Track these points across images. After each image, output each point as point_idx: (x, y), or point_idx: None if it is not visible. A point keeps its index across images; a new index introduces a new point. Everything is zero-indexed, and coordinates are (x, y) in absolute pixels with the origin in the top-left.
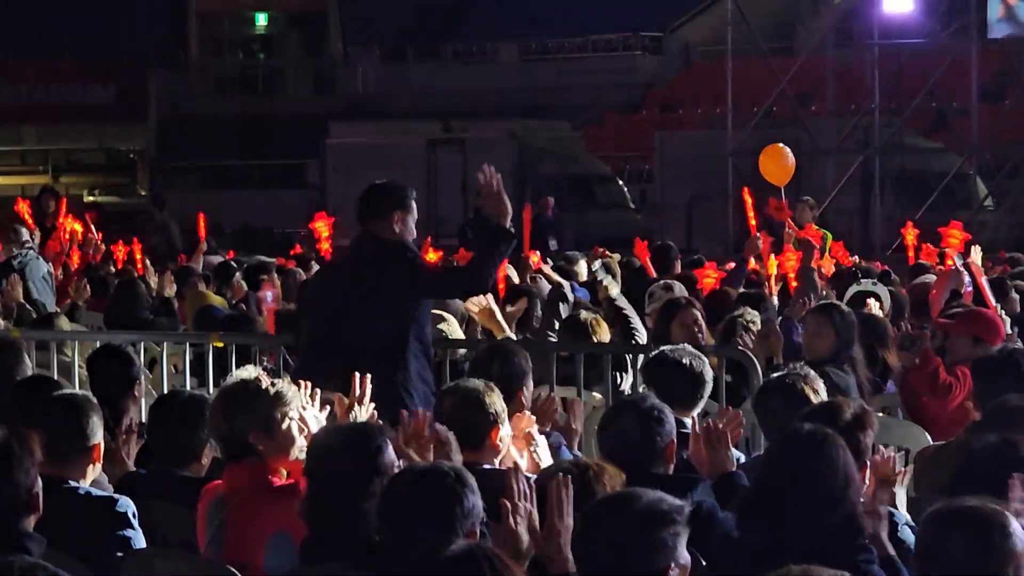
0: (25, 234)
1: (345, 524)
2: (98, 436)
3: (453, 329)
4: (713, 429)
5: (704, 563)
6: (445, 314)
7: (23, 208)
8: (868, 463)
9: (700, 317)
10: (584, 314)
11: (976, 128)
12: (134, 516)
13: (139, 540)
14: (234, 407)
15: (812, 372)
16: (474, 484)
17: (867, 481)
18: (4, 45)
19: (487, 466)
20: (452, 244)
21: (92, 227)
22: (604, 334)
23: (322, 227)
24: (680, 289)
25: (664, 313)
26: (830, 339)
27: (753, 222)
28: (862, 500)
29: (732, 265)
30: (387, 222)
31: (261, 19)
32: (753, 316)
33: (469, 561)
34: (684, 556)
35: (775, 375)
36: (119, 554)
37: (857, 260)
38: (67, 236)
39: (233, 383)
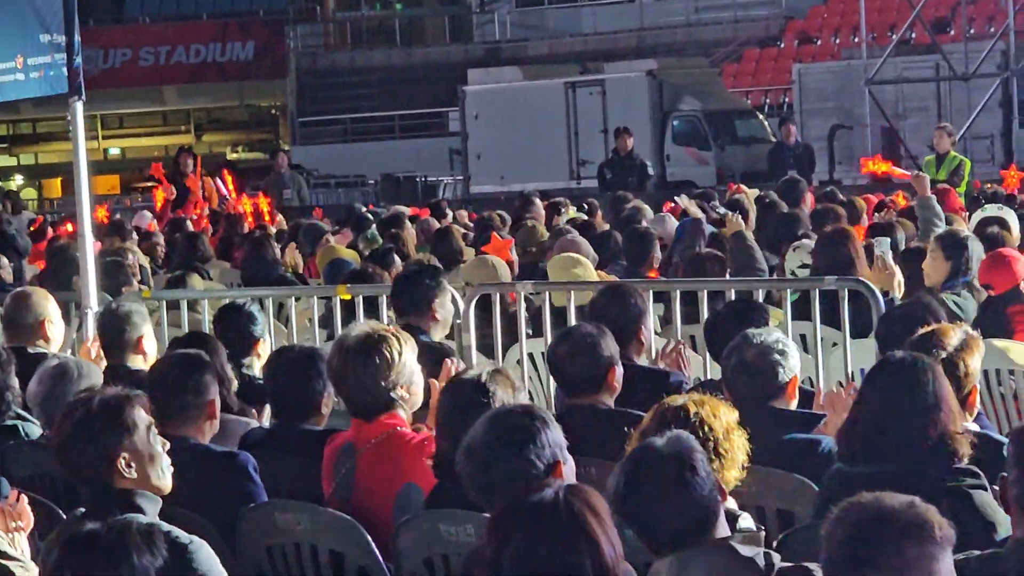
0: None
1: None
2: (212, 393)
3: (587, 273)
4: (837, 396)
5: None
6: (580, 257)
7: (159, 172)
8: (976, 387)
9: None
10: (704, 251)
11: None
12: (255, 470)
13: (261, 494)
14: (386, 359)
15: (934, 301)
16: (547, 418)
17: (975, 406)
18: (142, 8)
19: (603, 407)
20: (593, 185)
21: (228, 186)
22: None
23: None
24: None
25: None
26: (943, 265)
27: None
28: (966, 426)
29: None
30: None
31: None
32: (882, 245)
33: (552, 505)
34: None
35: (897, 304)
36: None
37: (985, 186)
38: (203, 199)
39: (383, 338)
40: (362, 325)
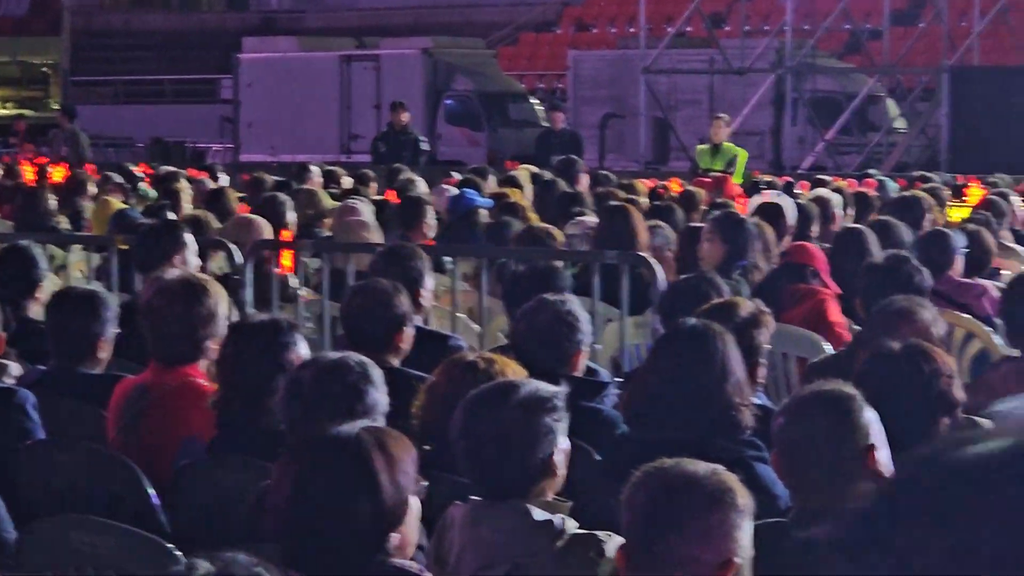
0: None
1: (249, 419)
2: None
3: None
4: None
5: (599, 460)
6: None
7: None
8: (760, 362)
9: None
10: (539, 226)
11: (888, 50)
12: (34, 408)
13: (38, 431)
14: (207, 309)
15: (717, 277)
16: (379, 379)
17: (760, 379)
18: None
19: (387, 367)
20: (363, 160)
21: None
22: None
23: None
24: None
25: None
26: (719, 248)
27: None
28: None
29: None
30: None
31: None
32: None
33: (342, 441)
34: (564, 442)
35: (680, 278)
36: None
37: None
38: None
39: (206, 288)
40: (174, 272)
